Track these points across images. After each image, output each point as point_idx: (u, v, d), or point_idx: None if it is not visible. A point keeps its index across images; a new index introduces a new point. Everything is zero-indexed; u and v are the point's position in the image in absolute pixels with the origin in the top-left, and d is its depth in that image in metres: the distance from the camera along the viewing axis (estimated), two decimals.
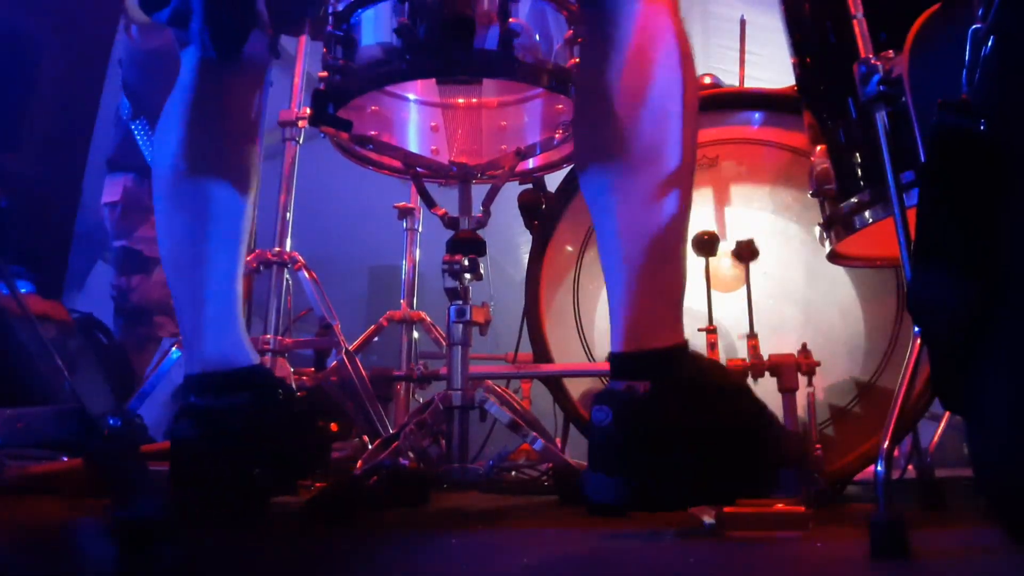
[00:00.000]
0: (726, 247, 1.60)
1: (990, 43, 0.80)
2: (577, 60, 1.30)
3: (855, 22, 1.15)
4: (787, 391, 1.40)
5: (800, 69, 1.43)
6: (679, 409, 0.98)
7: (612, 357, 1.04)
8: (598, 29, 1.09)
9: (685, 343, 1.05)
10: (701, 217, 1.68)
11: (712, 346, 1.46)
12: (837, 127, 1.32)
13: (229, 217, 1.24)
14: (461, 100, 1.51)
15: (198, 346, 1.20)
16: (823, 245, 1.40)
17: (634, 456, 0.97)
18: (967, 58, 0.82)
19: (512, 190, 1.77)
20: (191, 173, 1.23)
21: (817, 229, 1.40)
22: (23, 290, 2.04)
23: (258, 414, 1.16)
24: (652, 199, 1.04)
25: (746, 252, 1.55)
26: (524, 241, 2.32)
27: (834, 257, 1.40)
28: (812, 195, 1.37)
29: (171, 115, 1.25)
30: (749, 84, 2.09)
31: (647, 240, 1.04)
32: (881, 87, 1.09)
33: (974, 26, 0.82)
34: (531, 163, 1.61)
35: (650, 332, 1.03)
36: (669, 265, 1.07)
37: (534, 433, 1.40)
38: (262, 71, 1.32)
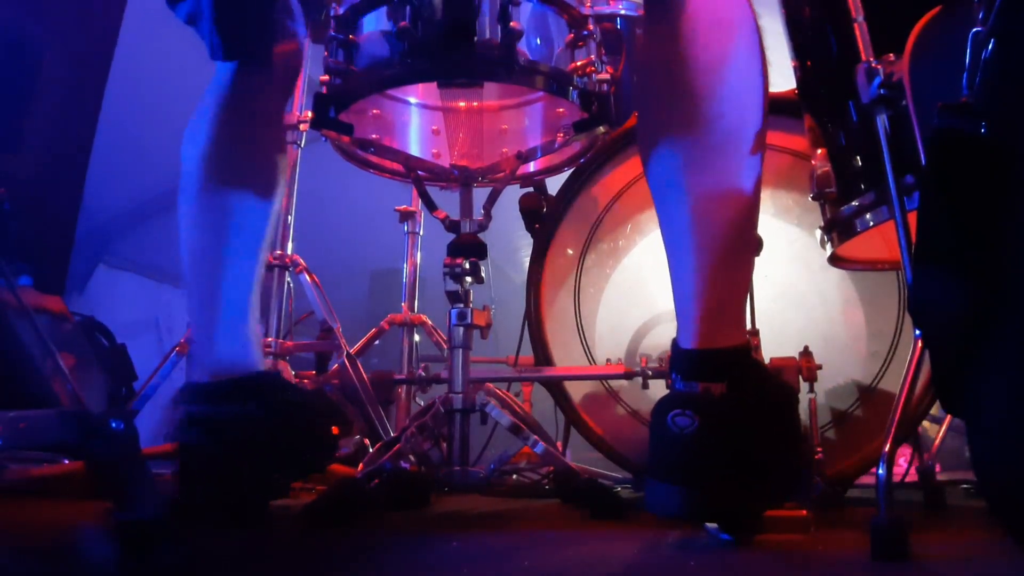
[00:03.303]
0: None
1: (991, 46, 0.80)
2: (578, 63, 1.31)
3: (856, 25, 1.15)
4: None
5: (801, 72, 1.42)
6: (754, 414, 0.95)
7: (683, 353, 0.99)
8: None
9: (749, 341, 1.02)
10: None
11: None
12: (838, 130, 1.32)
13: (251, 225, 1.24)
14: (462, 103, 1.51)
15: (207, 354, 1.21)
16: (824, 248, 1.40)
17: (720, 465, 0.93)
18: (968, 61, 0.82)
19: (513, 193, 1.77)
20: (216, 179, 1.23)
21: (818, 232, 1.40)
22: (21, 283, 2.04)
23: (262, 423, 1.17)
24: (731, 182, 0.99)
25: None
26: (525, 244, 2.32)
27: (835, 260, 1.40)
28: (813, 198, 1.36)
29: (202, 117, 1.25)
30: None
31: (724, 227, 0.98)
32: (882, 90, 1.08)
33: (975, 29, 0.82)
34: (532, 166, 1.61)
35: (725, 328, 0.99)
36: (743, 256, 1.02)
37: (535, 436, 1.40)
38: (294, 77, 1.32)
